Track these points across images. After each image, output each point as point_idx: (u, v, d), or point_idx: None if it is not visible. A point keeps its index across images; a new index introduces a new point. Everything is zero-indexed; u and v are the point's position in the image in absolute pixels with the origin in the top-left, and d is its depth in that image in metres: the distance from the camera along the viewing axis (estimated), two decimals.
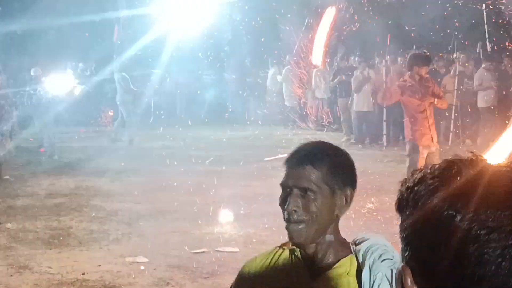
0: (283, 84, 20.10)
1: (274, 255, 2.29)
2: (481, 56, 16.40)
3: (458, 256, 0.99)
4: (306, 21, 15.98)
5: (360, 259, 2.09)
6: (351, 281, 2.11)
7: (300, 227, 2.13)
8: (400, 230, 1.10)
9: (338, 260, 2.15)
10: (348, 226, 4.87)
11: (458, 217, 0.99)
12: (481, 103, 15.36)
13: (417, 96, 8.70)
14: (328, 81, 18.18)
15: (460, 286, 1.00)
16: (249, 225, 8.51)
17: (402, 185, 1.12)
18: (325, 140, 2.31)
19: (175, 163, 13.57)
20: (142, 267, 7.07)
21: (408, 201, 1.08)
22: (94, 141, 17.04)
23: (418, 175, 1.09)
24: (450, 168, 1.05)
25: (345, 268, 2.13)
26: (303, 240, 2.15)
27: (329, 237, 2.16)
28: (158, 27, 16.28)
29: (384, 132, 16.49)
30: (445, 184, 1.03)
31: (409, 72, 8.99)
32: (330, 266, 2.14)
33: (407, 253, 1.07)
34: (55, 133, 14.96)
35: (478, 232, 0.98)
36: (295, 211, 2.12)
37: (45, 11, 19.04)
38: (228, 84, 21.72)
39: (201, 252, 7.56)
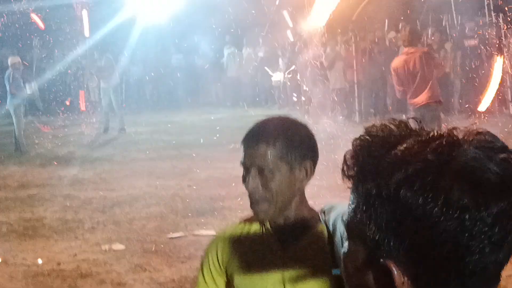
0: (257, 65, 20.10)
1: (244, 228, 2.28)
2: None
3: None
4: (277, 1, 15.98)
5: (331, 228, 2.05)
6: (322, 250, 2.08)
7: (263, 206, 2.11)
8: (370, 218, 0.99)
9: (308, 230, 2.14)
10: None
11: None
12: None
13: None
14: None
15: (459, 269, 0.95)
16: (225, 207, 8.48)
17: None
18: (284, 115, 2.26)
19: (148, 148, 13.52)
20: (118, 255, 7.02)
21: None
22: (67, 130, 16.86)
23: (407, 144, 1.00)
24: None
25: (315, 237, 2.12)
26: (269, 218, 2.14)
27: (295, 208, 2.14)
28: (126, 10, 16.10)
29: (357, 108, 16.55)
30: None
31: None
32: (301, 236, 2.14)
33: (389, 244, 0.97)
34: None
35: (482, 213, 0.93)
36: (255, 190, 2.10)
37: None
38: (198, 67, 21.59)
39: (178, 237, 7.53)
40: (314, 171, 2.16)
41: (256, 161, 2.11)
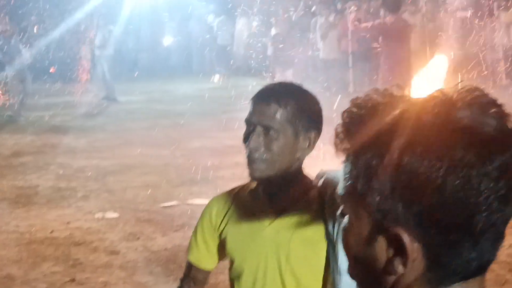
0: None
1: (239, 192, 2.28)
2: None
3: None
4: None
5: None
6: (315, 216, 2.08)
7: (260, 165, 2.08)
8: (373, 188, 0.98)
9: (302, 197, 2.12)
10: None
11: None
12: None
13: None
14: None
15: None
16: (218, 177, 8.49)
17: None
18: (297, 84, 2.23)
19: (141, 117, 13.49)
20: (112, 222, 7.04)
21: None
22: (59, 98, 16.78)
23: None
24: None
25: (309, 204, 2.10)
26: (264, 177, 2.11)
27: (292, 175, 2.12)
28: None
29: (351, 79, 16.47)
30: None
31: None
32: (294, 202, 2.12)
33: (396, 211, 0.96)
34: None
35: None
36: (256, 149, 2.07)
37: None
38: (192, 36, 21.46)
39: (171, 206, 7.54)
40: (315, 143, 2.14)
41: (263, 119, 2.07)
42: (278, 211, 2.14)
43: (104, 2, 17.31)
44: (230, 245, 2.24)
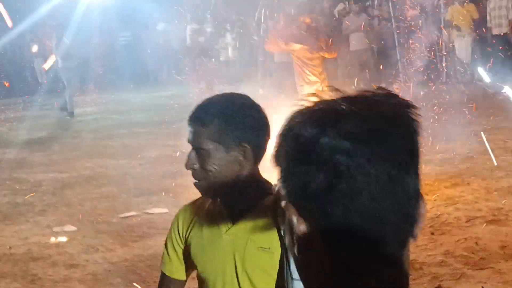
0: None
1: (202, 201, 2.30)
2: None
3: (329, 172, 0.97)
4: None
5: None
6: (270, 222, 2.10)
7: (202, 184, 2.13)
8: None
9: (257, 203, 2.13)
10: None
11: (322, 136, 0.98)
12: None
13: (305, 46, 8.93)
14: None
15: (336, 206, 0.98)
16: (177, 185, 8.47)
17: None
18: (235, 95, 2.22)
19: (98, 128, 13.39)
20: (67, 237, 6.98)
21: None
22: (14, 112, 16.58)
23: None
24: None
25: (264, 210, 2.11)
26: (210, 195, 2.17)
27: (242, 185, 2.13)
28: None
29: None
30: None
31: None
32: (249, 209, 2.14)
33: (286, 189, 1.03)
34: None
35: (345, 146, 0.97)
36: (192, 169, 2.13)
37: None
38: (147, 45, 21.36)
39: (130, 216, 7.51)
40: (260, 153, 2.13)
41: (193, 141, 2.12)
42: (235, 218, 2.17)
43: (54, 13, 17.11)
44: (193, 252, 2.27)
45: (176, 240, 2.35)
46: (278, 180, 1.06)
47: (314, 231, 1.00)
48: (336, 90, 1.05)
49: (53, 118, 15.52)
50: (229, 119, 2.10)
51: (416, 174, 1.01)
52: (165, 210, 7.60)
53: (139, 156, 10.49)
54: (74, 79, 16.37)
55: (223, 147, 2.09)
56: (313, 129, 0.99)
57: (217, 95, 2.22)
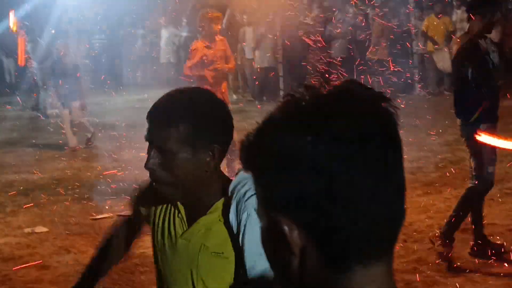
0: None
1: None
2: None
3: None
4: None
5: (234, 200, 1.95)
6: (221, 226, 2.01)
7: (165, 189, 2.04)
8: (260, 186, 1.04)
9: (213, 205, 2.05)
10: None
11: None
12: None
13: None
14: None
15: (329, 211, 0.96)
16: None
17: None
18: (197, 91, 2.13)
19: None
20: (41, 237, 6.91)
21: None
22: None
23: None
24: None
25: (218, 212, 2.03)
26: (175, 198, 2.10)
27: (204, 187, 2.04)
28: None
29: (282, 87, 16.54)
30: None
31: None
32: (204, 211, 2.06)
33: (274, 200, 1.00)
34: None
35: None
36: (153, 170, 2.02)
37: None
38: (120, 48, 21.23)
39: (102, 218, 7.45)
40: (226, 151, 2.06)
41: (157, 140, 2.00)
42: (190, 221, 2.09)
43: (27, 14, 16.94)
44: (154, 251, 2.23)
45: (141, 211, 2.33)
46: (258, 186, 1.03)
47: (309, 237, 0.98)
48: (312, 87, 1.02)
49: (25, 119, 15.36)
50: (200, 120, 1.98)
51: (401, 168, 1.01)
52: None
53: (112, 158, 10.42)
54: (49, 80, 16.19)
55: (191, 148, 1.97)
56: (303, 133, 0.96)
57: (177, 91, 2.08)
